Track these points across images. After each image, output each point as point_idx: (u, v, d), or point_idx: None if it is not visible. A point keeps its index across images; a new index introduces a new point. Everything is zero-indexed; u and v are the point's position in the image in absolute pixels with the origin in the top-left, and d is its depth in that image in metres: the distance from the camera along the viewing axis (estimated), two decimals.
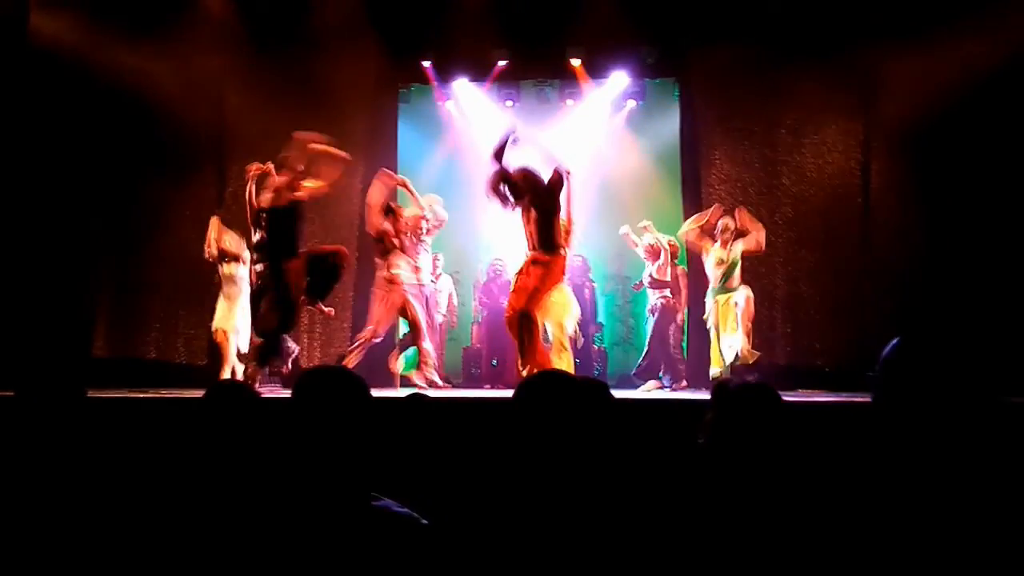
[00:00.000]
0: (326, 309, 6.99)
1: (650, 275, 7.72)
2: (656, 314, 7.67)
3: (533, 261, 6.04)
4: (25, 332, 7.47)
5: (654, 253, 7.66)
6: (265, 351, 6.36)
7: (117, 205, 8.31)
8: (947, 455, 1.59)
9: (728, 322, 7.03)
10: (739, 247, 7.12)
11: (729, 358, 6.98)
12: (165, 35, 8.09)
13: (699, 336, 8.00)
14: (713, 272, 7.18)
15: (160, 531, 1.88)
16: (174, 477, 2.18)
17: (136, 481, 2.23)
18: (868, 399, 1.77)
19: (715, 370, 7.20)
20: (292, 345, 7.12)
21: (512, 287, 6.26)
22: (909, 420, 1.62)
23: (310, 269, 6.31)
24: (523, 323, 6.00)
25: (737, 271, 7.14)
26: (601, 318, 9.60)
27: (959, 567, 1.51)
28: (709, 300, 7.27)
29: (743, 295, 7.03)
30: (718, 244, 7.16)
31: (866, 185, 8.20)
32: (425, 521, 1.71)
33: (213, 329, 7.27)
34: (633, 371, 7.87)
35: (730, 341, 6.99)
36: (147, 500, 2.06)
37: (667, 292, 7.66)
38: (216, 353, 7.37)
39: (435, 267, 8.72)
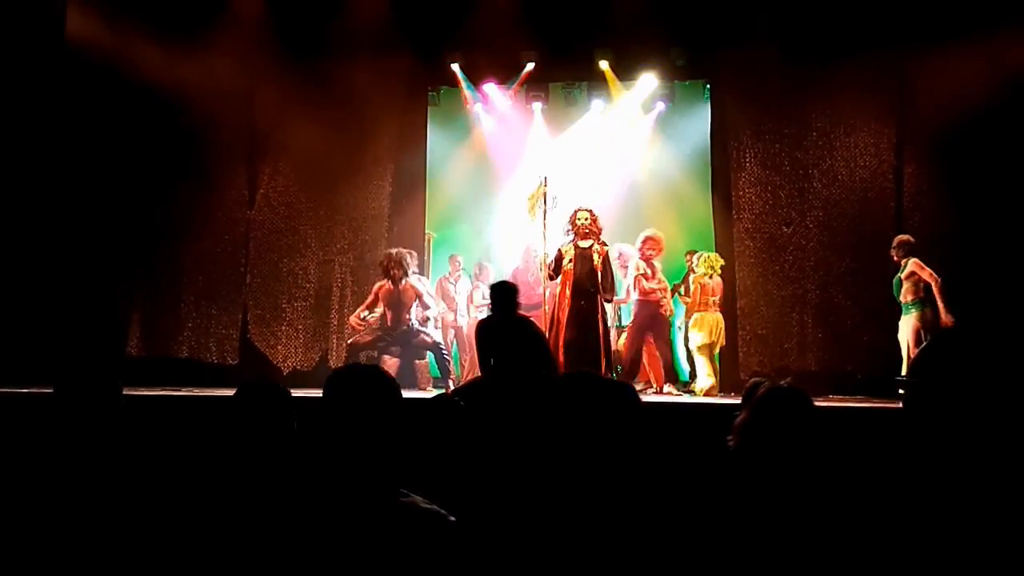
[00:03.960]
0: None
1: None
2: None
3: None
4: (63, 331, 7.62)
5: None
6: None
7: (150, 206, 8.44)
8: (975, 459, 1.57)
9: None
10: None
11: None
12: (197, 38, 8.21)
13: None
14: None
15: (191, 525, 1.91)
16: (206, 473, 2.21)
17: (169, 477, 2.26)
18: (899, 405, 1.76)
19: None
20: None
21: None
22: (939, 424, 1.61)
23: None
24: None
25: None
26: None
27: (985, 569, 1.49)
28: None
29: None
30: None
31: (899, 189, 8.09)
32: (452, 518, 1.72)
33: None
34: None
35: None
36: (179, 496, 2.09)
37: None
38: None
39: (455, 268, 8.78)
